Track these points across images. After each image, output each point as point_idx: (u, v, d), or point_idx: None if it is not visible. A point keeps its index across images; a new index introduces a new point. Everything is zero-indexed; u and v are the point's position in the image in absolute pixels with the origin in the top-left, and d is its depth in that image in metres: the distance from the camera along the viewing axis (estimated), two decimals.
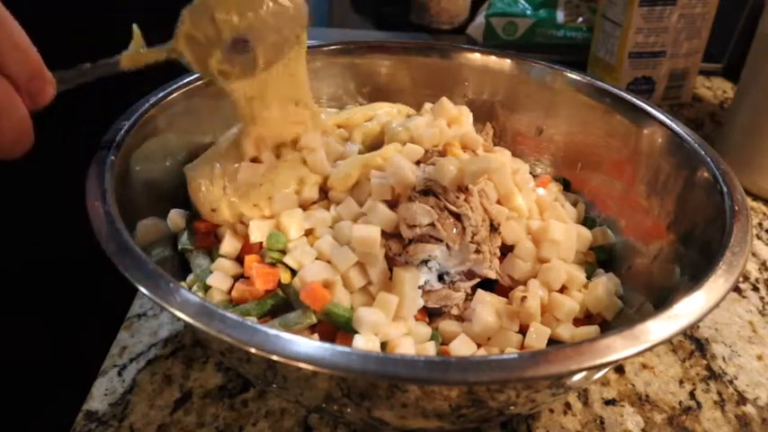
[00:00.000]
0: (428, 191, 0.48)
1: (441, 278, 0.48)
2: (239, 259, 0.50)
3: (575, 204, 0.60)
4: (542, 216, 0.55)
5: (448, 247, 0.47)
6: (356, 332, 0.43)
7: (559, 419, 0.48)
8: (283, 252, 0.48)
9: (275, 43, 0.50)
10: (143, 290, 0.35)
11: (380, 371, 0.31)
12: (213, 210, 0.51)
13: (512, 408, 0.40)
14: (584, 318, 0.51)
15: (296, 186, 0.52)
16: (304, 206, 0.53)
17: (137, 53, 0.46)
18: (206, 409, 0.47)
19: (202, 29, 0.47)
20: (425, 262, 0.47)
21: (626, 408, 0.49)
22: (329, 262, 0.47)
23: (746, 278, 0.63)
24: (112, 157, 0.45)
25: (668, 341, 0.43)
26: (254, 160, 0.53)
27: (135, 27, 0.44)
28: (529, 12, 1.02)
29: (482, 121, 0.65)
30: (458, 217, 0.47)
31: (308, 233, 0.50)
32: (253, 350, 0.32)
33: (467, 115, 0.61)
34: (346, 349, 0.32)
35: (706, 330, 0.57)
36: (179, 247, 0.52)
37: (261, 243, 0.50)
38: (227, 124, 0.59)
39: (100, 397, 0.48)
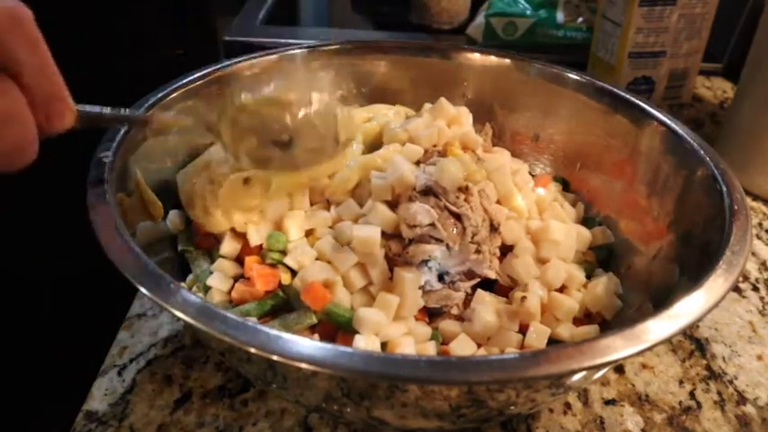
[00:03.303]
0: (428, 191, 0.48)
1: (441, 278, 0.48)
2: (239, 260, 0.50)
3: (574, 204, 0.60)
4: (542, 216, 0.55)
5: (448, 247, 0.47)
6: (357, 332, 0.43)
7: (559, 419, 0.48)
8: (284, 253, 0.48)
9: (316, 149, 0.49)
10: (143, 290, 0.35)
11: (382, 371, 0.31)
12: (205, 220, 0.50)
13: (512, 408, 0.40)
14: (584, 317, 0.51)
15: (287, 200, 0.51)
16: None
17: (170, 119, 0.47)
18: (206, 409, 0.47)
19: (249, 118, 0.47)
20: (425, 262, 0.47)
21: (626, 408, 0.49)
22: (329, 262, 0.47)
23: (746, 278, 0.63)
24: (112, 158, 0.45)
25: (668, 341, 0.43)
26: None
27: None
28: (529, 12, 1.02)
29: (481, 121, 0.65)
30: (458, 217, 0.47)
31: (309, 234, 0.51)
32: (253, 350, 0.32)
33: (466, 115, 0.60)
34: (347, 349, 0.32)
35: (706, 330, 0.57)
36: (179, 247, 0.52)
37: (261, 244, 0.50)
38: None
39: (100, 397, 0.48)
